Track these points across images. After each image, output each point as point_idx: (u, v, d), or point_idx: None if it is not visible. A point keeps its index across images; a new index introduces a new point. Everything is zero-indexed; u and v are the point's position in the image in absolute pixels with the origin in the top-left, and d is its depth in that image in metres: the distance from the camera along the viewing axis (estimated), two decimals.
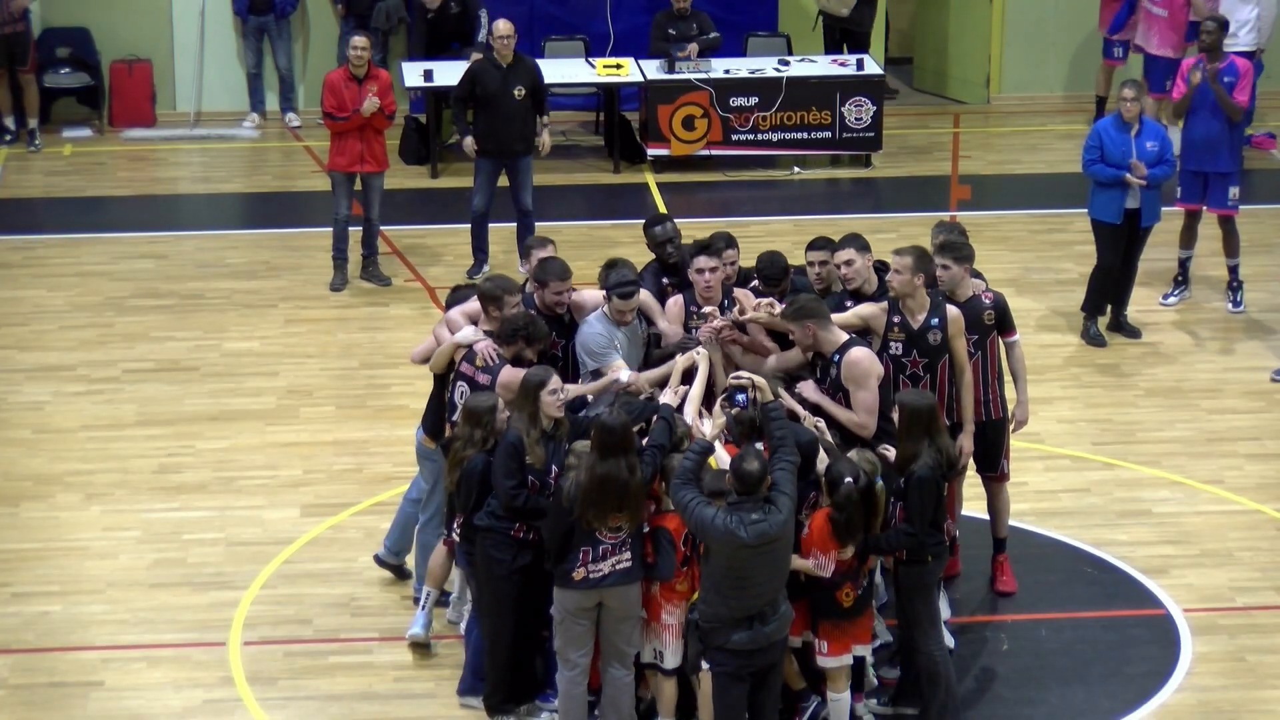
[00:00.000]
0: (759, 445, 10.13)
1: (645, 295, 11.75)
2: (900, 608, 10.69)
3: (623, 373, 11.11)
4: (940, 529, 10.60)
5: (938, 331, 11.14)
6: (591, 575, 10.01)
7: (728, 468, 10.00)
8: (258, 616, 12.05)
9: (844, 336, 10.88)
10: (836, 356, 10.86)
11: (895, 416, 10.48)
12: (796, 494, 9.78)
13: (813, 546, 10.12)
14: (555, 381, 10.43)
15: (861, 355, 10.86)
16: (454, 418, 11.19)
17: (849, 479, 10.07)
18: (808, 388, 11.03)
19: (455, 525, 10.80)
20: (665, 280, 12.24)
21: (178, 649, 11.78)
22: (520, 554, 10.34)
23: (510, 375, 10.86)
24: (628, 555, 10.01)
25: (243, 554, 12.69)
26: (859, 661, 10.62)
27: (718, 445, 10.34)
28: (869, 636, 10.56)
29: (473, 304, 11.46)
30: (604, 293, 11.53)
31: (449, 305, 11.64)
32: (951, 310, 11.19)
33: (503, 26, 17.05)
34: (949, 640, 11.35)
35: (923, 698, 10.61)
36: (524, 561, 10.35)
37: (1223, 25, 16.57)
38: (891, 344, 11.22)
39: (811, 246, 11.90)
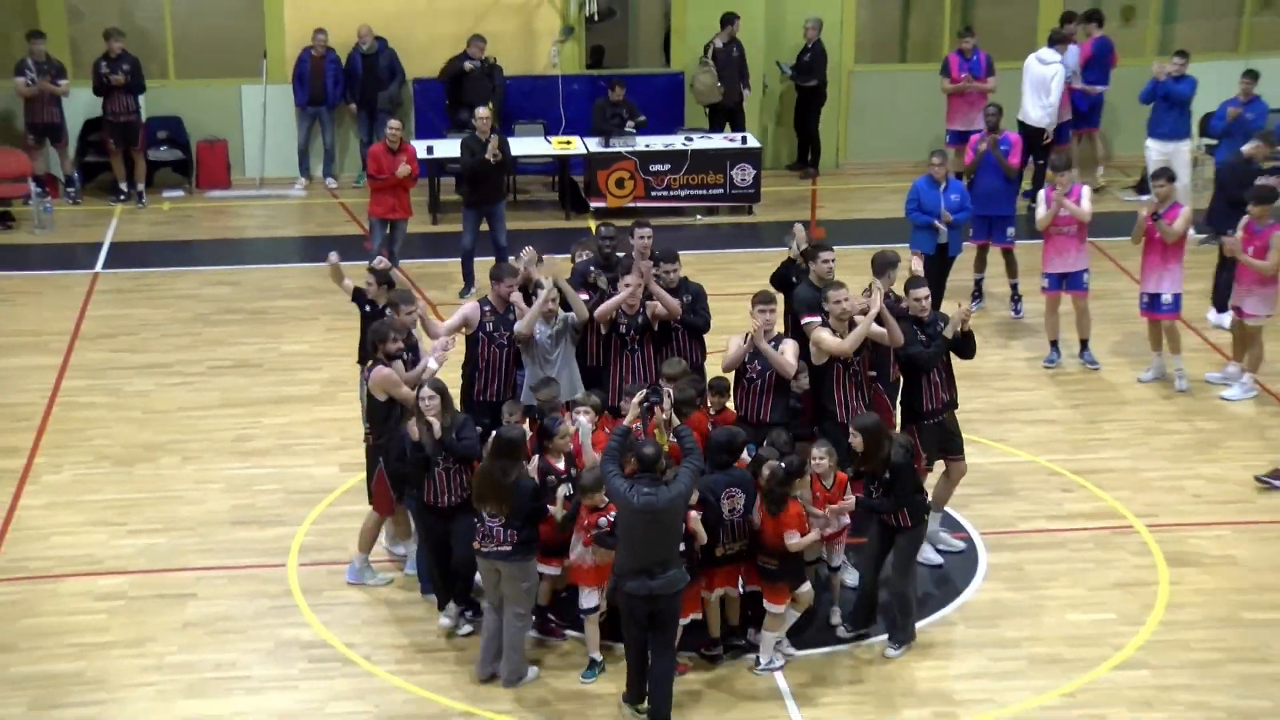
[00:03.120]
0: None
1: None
2: (896, 560, 10.65)
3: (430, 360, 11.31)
4: (923, 493, 10.77)
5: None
6: (483, 548, 10.05)
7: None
8: (309, 545, 12.14)
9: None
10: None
11: (854, 441, 10.45)
12: (691, 489, 9.73)
13: (790, 524, 10.18)
14: (430, 391, 10.41)
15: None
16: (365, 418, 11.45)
17: (771, 462, 10.20)
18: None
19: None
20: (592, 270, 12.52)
21: (250, 569, 11.85)
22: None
23: (376, 374, 11.01)
24: (509, 541, 9.95)
25: (297, 499, 12.74)
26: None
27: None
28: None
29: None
30: None
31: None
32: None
33: (482, 113, 17.16)
34: (937, 557, 11.81)
35: (896, 624, 10.72)
36: None
37: (1000, 110, 16.72)
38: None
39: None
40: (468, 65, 20.14)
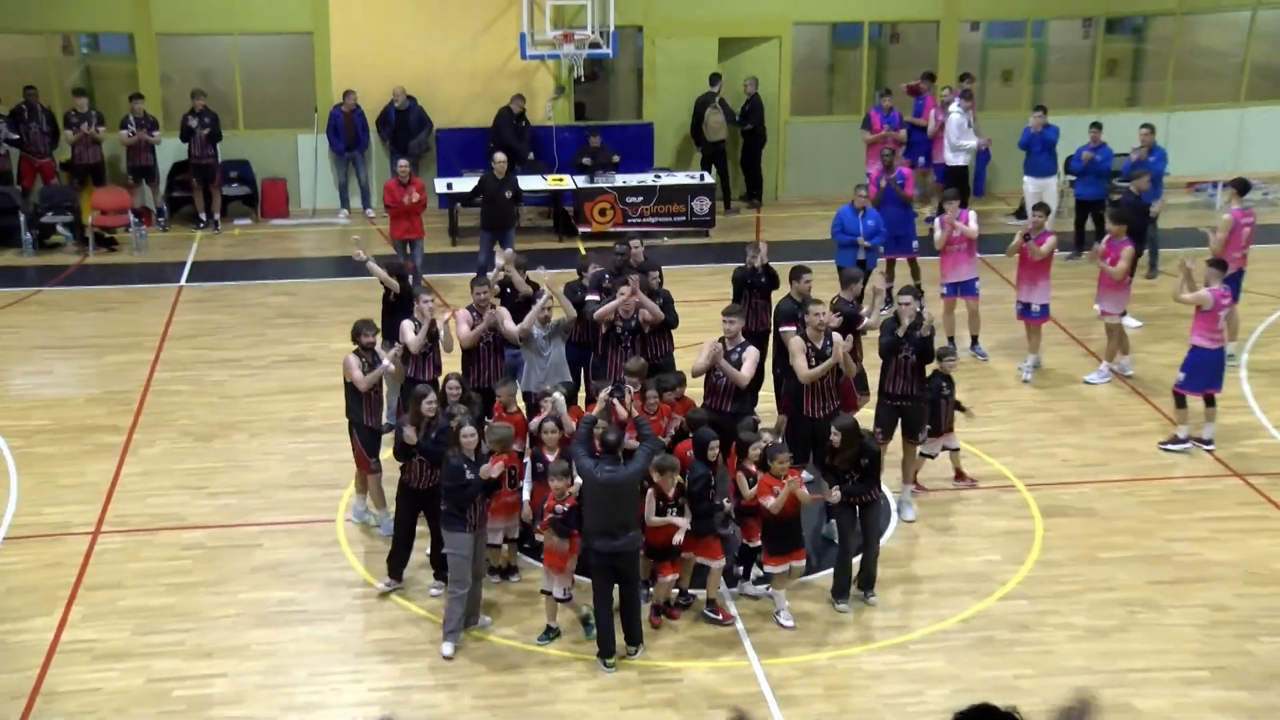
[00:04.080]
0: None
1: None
2: (868, 529, 10.46)
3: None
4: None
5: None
6: None
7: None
8: (352, 504, 12.02)
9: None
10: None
11: (835, 439, 10.23)
12: (646, 469, 9.67)
13: (765, 492, 10.05)
14: (431, 395, 10.24)
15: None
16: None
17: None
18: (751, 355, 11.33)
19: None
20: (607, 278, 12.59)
21: (305, 524, 11.84)
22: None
23: (346, 360, 11.15)
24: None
25: (343, 468, 12.61)
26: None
27: None
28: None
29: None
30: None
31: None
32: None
33: (499, 156, 17.32)
34: (911, 514, 11.77)
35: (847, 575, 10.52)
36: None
37: (893, 152, 16.87)
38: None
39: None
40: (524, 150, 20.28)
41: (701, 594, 10.45)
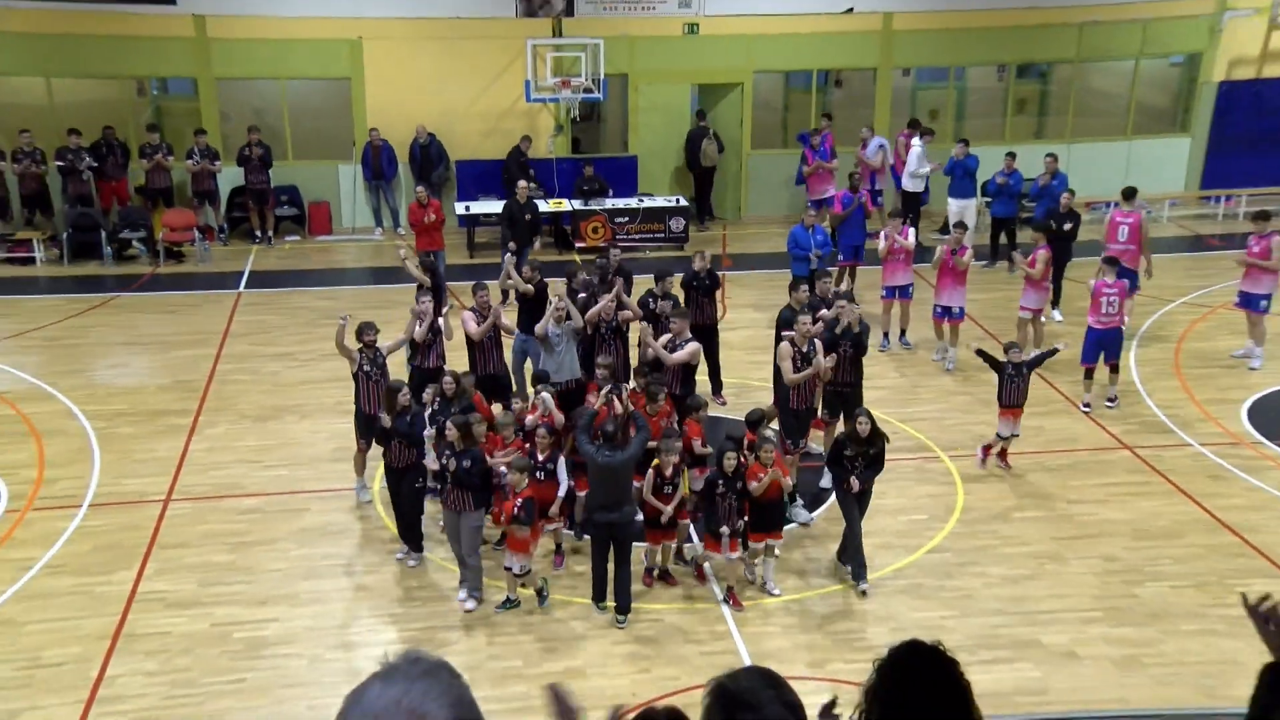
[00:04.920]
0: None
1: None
2: (862, 508, 10.15)
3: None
4: None
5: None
6: None
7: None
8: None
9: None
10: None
11: (864, 428, 9.93)
12: (640, 455, 9.58)
13: (751, 477, 9.79)
14: (405, 389, 10.18)
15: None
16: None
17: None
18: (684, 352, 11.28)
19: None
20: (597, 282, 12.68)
21: (347, 492, 11.77)
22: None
23: (350, 353, 11.07)
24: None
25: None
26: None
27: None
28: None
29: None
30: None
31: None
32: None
33: (522, 184, 17.40)
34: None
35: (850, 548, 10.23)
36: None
37: (861, 175, 16.89)
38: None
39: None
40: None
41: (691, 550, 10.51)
